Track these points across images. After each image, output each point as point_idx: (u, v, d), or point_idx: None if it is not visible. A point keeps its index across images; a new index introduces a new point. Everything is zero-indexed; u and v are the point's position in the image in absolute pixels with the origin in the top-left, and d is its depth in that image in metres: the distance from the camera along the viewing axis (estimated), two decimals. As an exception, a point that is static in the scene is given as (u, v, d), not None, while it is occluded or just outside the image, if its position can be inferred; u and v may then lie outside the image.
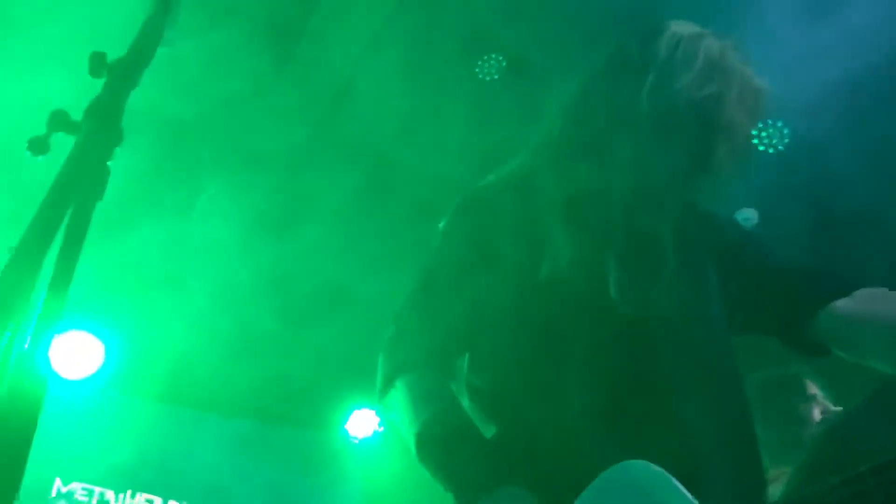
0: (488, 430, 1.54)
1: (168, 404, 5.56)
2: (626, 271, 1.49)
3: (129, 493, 5.42)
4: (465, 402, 1.60)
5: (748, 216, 2.80)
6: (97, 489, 5.30)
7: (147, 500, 5.47)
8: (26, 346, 0.78)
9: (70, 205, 0.91)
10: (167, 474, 5.50)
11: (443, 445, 1.44)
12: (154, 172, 4.00)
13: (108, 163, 0.98)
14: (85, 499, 5.24)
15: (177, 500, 5.55)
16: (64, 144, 1.01)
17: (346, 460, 6.16)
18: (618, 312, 1.46)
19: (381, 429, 6.03)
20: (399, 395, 1.54)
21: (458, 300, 1.58)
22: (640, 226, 1.52)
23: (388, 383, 1.57)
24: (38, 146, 1.00)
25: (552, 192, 1.57)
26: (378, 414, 5.95)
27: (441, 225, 1.68)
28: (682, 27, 1.56)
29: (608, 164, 1.53)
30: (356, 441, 6.11)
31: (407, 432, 1.50)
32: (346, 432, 6.10)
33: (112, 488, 5.34)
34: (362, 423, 6.06)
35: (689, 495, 1.27)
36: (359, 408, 6.04)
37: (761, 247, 1.64)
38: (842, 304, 1.47)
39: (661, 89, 1.47)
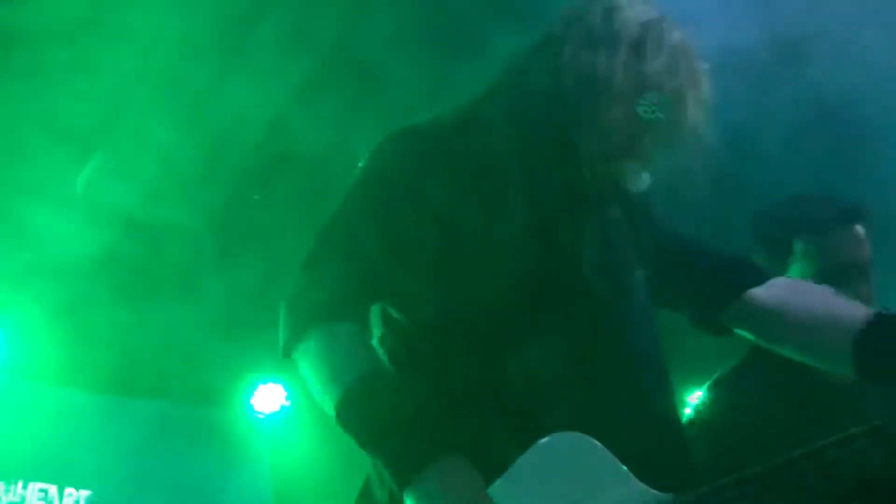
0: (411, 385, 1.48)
1: (60, 387, 5.33)
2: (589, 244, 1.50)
3: (20, 483, 5.19)
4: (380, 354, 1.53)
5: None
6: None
7: (41, 490, 5.25)
8: None
9: None
10: (61, 461, 5.30)
11: (373, 412, 1.35)
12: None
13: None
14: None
15: (74, 488, 5.35)
16: None
17: (253, 437, 6.09)
18: (563, 280, 1.48)
19: (288, 403, 5.98)
20: (313, 351, 1.45)
21: (379, 241, 1.50)
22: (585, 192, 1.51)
23: (297, 336, 1.46)
24: None
25: (505, 145, 1.53)
26: (285, 383, 5.91)
27: (361, 163, 1.60)
28: (637, 6, 1.54)
29: (569, 125, 1.50)
30: (262, 416, 6.04)
31: (326, 394, 1.41)
32: (251, 408, 6.01)
33: (1, 479, 5.12)
34: (268, 397, 5.98)
35: (621, 467, 1.31)
36: (264, 382, 5.96)
37: (679, 233, 1.68)
38: (757, 292, 1.55)
39: (632, 68, 1.47)
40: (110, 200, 4.45)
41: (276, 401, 5.94)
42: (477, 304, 1.46)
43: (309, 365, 1.45)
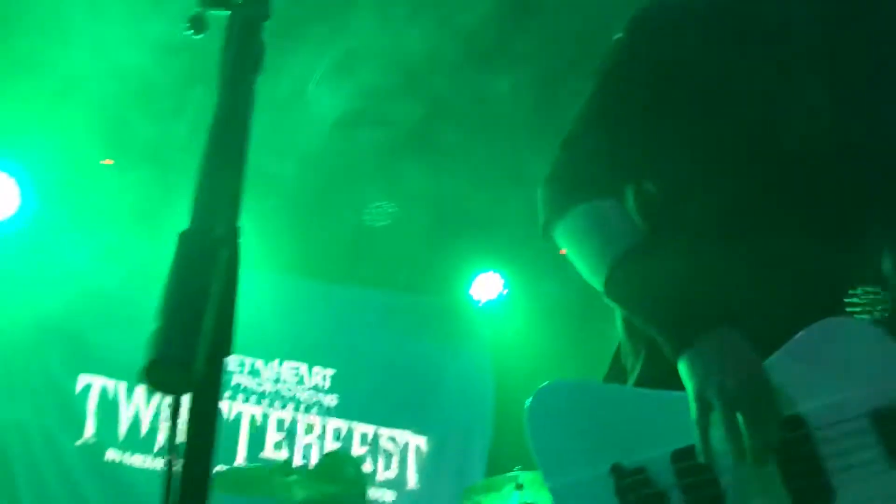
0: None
1: (304, 279, 5.85)
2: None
3: (276, 361, 5.86)
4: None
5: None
6: (248, 359, 5.76)
7: (293, 368, 5.90)
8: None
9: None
10: (310, 344, 5.88)
11: (646, 283, 1.37)
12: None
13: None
14: (238, 368, 5.71)
15: (321, 367, 5.96)
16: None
17: (473, 323, 6.39)
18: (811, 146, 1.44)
19: (506, 291, 6.19)
20: (576, 228, 1.46)
21: (638, 119, 1.49)
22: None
23: (557, 215, 1.49)
24: (197, 24, 1.10)
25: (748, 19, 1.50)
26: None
27: (617, 36, 1.57)
28: None
29: None
30: (481, 304, 6.32)
31: (592, 269, 1.43)
32: (470, 297, 6.31)
33: (262, 357, 5.78)
34: (486, 286, 6.21)
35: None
36: (483, 271, 6.19)
37: None
38: None
39: None
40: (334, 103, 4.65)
41: (493, 289, 6.17)
42: (736, 162, 1.44)
43: (572, 242, 1.48)
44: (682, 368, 1.30)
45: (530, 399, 1.47)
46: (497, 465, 5.24)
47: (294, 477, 4.03)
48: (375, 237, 5.66)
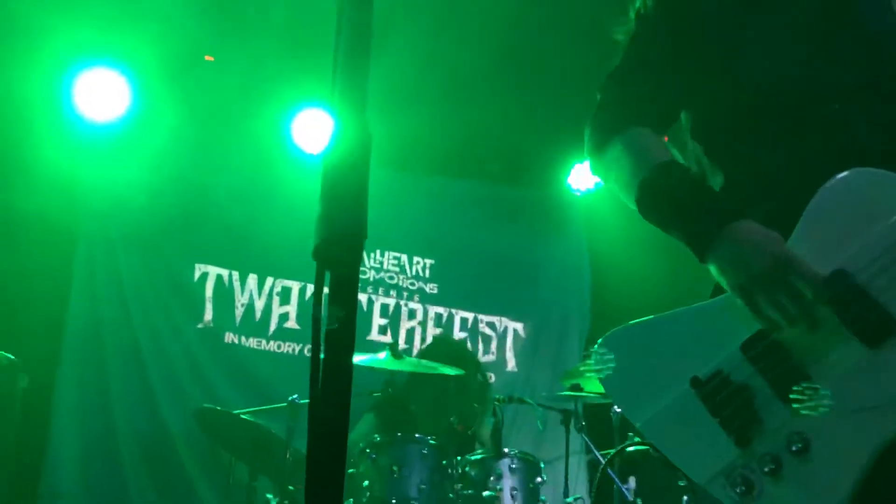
0: (713, 181, 1.58)
1: (402, 171, 5.96)
2: None
3: (378, 251, 6.08)
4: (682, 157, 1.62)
5: None
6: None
7: (395, 258, 6.11)
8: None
9: None
10: (410, 235, 6.06)
11: (665, 196, 1.46)
12: None
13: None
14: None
15: (420, 257, 6.15)
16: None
17: (570, 213, 6.45)
18: None
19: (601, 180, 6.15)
20: (615, 155, 1.56)
21: (673, 56, 1.58)
22: None
23: (600, 147, 1.60)
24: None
25: None
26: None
27: None
28: None
29: None
30: (579, 194, 6.34)
31: (627, 190, 1.52)
32: (569, 186, 6.32)
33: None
34: (583, 176, 6.21)
35: None
36: (580, 161, 6.18)
37: None
38: None
39: None
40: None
41: (591, 178, 6.15)
42: (769, 78, 1.50)
43: (612, 170, 1.58)
44: (712, 270, 1.38)
45: (596, 350, 1.54)
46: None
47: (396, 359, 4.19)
48: (474, 130, 5.69)
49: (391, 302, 6.05)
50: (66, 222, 5.16)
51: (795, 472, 1.30)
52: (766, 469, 1.32)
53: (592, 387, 4.25)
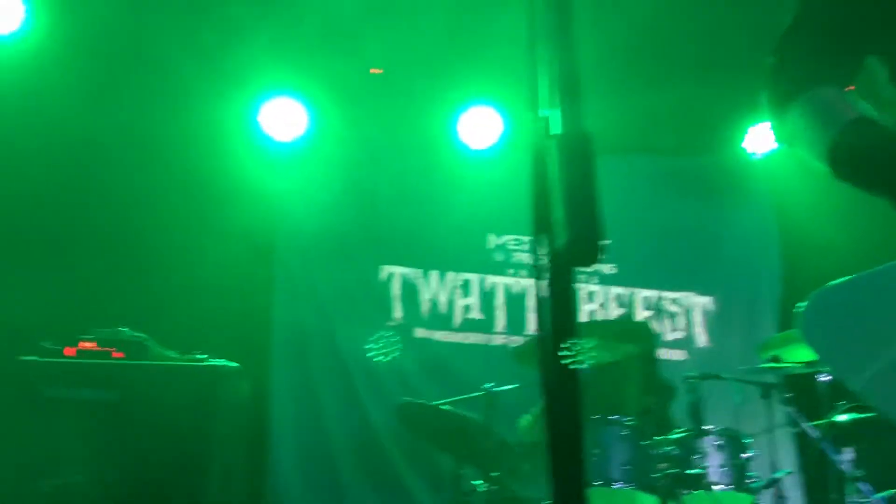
0: None
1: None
2: None
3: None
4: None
5: None
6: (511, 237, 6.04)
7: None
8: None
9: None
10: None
11: (865, 153, 1.38)
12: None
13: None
14: (515, 247, 6.03)
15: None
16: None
17: (751, 178, 6.20)
18: None
19: (782, 140, 5.88)
20: (798, 119, 1.50)
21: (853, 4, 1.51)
22: None
23: (781, 111, 1.53)
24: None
25: None
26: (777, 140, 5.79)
27: None
28: None
29: None
30: (758, 157, 6.08)
31: (817, 152, 1.45)
32: (744, 150, 6.08)
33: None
34: (761, 138, 5.96)
35: None
36: (754, 124, 5.93)
37: None
38: None
39: None
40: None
41: (769, 140, 5.86)
42: None
43: (797, 131, 1.51)
44: None
45: (800, 314, 1.48)
46: (791, 319, 5.13)
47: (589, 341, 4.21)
48: (644, 104, 5.60)
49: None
50: (266, 237, 5.58)
51: None
52: None
53: (793, 356, 4.09)
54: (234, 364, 3.77)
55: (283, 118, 5.54)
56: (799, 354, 4.04)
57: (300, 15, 4.87)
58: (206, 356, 3.74)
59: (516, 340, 5.70)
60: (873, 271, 1.45)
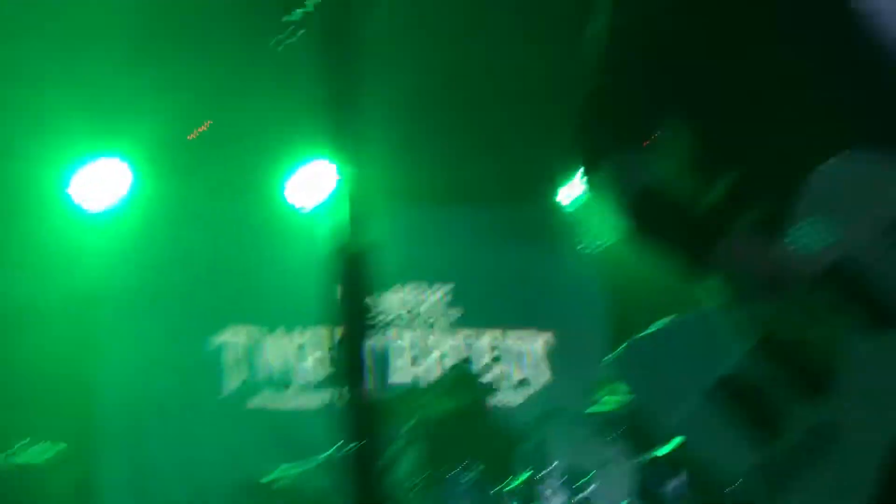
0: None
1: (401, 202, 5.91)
2: None
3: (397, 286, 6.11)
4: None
5: None
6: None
7: (414, 289, 6.19)
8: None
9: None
10: (424, 265, 6.09)
11: (659, 218, 1.50)
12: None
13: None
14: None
15: (436, 285, 6.22)
16: None
17: (577, 224, 6.39)
18: None
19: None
20: (603, 178, 1.56)
21: (654, 70, 1.58)
22: None
23: (589, 167, 1.59)
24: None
25: None
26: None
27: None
28: None
29: None
30: (575, 206, 6.34)
31: (619, 212, 1.54)
32: (568, 196, 6.35)
33: (381, 284, 5.97)
34: (574, 190, 6.21)
35: None
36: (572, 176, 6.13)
37: None
38: None
39: None
40: None
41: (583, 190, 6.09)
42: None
43: (601, 195, 1.58)
44: (713, 284, 1.42)
45: (613, 362, 1.56)
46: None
47: (422, 397, 4.23)
48: (468, 155, 5.73)
49: (412, 336, 6.09)
50: (87, 305, 5.25)
51: (824, 464, 1.32)
52: (795, 463, 1.33)
53: (622, 392, 4.24)
54: (62, 445, 3.46)
55: (101, 181, 5.30)
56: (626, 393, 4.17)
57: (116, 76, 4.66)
58: (27, 440, 3.43)
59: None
60: (681, 320, 1.54)
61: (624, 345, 1.57)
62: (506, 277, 6.25)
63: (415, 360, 6.07)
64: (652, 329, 1.57)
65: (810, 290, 1.35)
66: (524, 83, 5.12)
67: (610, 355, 1.57)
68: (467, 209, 6.26)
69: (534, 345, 6.33)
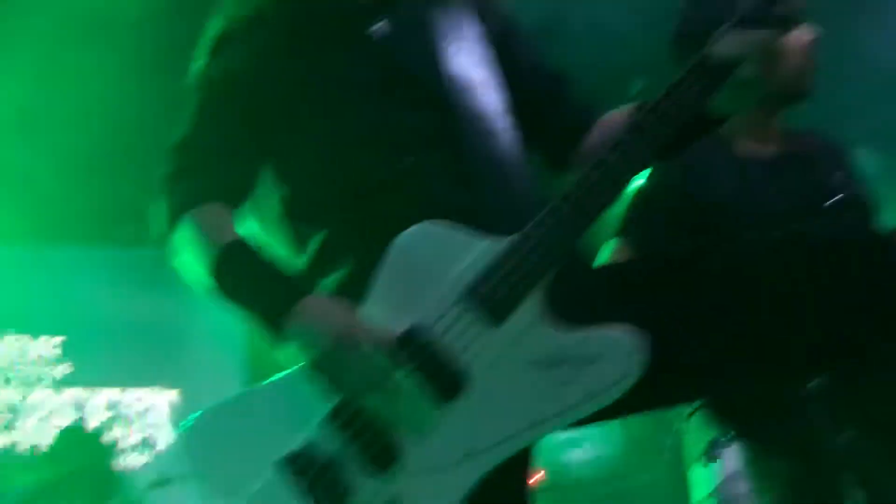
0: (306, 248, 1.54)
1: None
2: None
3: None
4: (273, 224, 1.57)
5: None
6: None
7: (14, 340, 5.59)
8: None
9: None
10: (29, 312, 5.53)
11: (238, 284, 1.41)
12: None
13: None
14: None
15: (46, 336, 5.61)
16: None
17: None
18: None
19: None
20: (187, 235, 1.47)
21: (245, 119, 1.53)
22: None
23: (173, 224, 1.49)
24: None
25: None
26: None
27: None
28: None
29: None
30: None
31: (203, 268, 1.44)
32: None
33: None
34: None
35: (474, 237, 1.36)
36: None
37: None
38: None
39: None
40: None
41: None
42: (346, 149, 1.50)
43: (183, 250, 1.48)
44: (289, 353, 1.35)
45: (176, 441, 1.45)
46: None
47: (21, 462, 3.77)
48: (100, 193, 5.26)
49: (11, 395, 5.46)
50: None
51: None
52: None
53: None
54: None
55: None
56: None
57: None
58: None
59: None
60: (252, 391, 1.44)
61: (196, 414, 1.42)
62: (133, 328, 5.76)
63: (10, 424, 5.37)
64: (228, 398, 1.45)
65: (389, 356, 1.32)
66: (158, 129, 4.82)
67: (182, 423, 1.43)
68: (106, 250, 5.77)
69: (162, 401, 5.89)
